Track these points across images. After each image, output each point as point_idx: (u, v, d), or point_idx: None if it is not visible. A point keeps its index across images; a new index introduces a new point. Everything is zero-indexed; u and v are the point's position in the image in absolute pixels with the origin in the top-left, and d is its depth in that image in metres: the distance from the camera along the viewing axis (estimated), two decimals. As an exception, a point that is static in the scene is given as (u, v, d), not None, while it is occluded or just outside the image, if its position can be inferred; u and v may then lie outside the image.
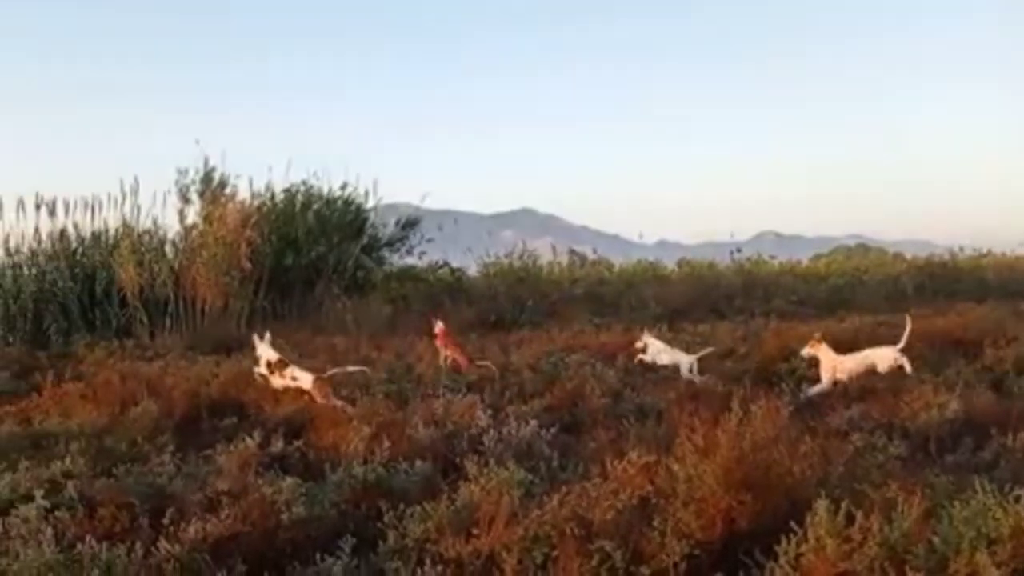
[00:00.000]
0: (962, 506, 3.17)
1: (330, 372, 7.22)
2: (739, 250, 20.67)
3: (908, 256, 23.02)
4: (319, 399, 6.81)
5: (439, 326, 9.11)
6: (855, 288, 18.50)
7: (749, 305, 15.56)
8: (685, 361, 7.91)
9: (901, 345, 6.91)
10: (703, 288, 17.46)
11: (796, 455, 3.99)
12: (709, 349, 8.17)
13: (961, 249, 22.26)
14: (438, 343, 9.09)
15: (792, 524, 3.15)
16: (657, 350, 8.23)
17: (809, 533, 3.08)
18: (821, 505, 3.12)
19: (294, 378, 7.08)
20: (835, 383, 7.01)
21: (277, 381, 7.15)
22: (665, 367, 8.08)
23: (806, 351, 7.26)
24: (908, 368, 7.09)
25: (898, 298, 17.23)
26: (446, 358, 8.89)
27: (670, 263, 20.99)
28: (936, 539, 3.07)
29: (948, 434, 5.42)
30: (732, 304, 15.92)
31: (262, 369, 7.29)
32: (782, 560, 3.08)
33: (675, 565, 3.28)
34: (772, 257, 21.84)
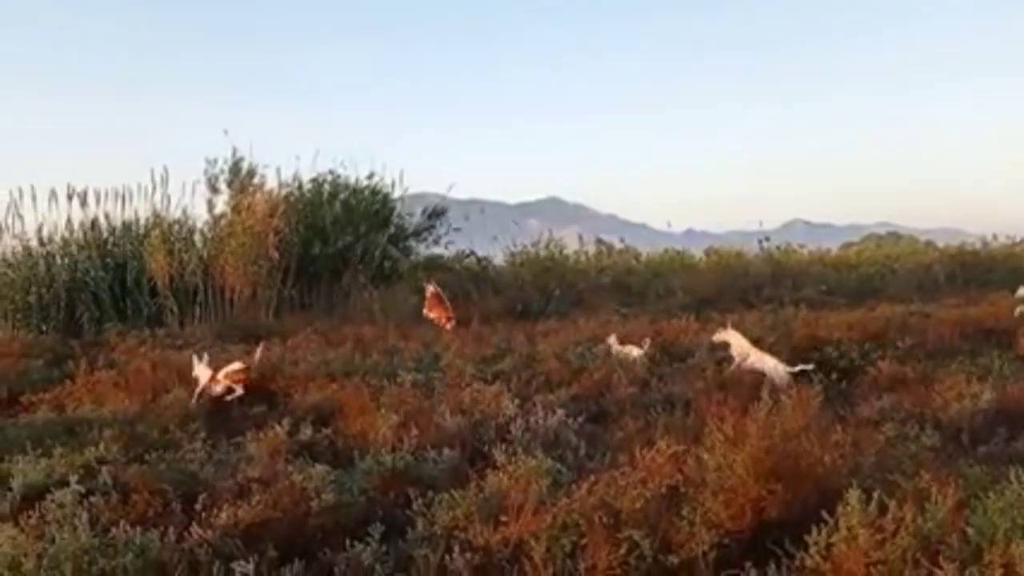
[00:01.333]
0: (997, 497, 3.13)
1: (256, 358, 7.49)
2: (767, 239, 20.46)
3: (940, 244, 22.68)
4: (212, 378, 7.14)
5: (430, 289, 9.47)
6: (886, 277, 18.28)
7: (778, 294, 15.38)
8: (635, 353, 8.25)
9: (792, 370, 6.74)
10: (731, 277, 17.31)
11: (827, 445, 3.96)
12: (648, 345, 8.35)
13: (995, 237, 21.89)
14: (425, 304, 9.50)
15: (823, 514, 3.12)
16: (618, 352, 8.44)
17: (841, 523, 3.05)
18: (853, 495, 3.09)
19: (227, 375, 7.20)
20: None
21: (217, 389, 7.18)
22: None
23: (717, 336, 7.49)
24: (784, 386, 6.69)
25: (930, 287, 17.00)
26: (436, 319, 9.28)
27: (698, 252, 20.81)
28: (970, 530, 3.03)
29: (981, 424, 5.35)
30: (760, 293, 15.76)
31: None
32: (813, 550, 3.05)
33: (704, 555, 3.27)
34: (801, 246, 21.61)
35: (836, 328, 9.13)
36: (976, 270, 18.71)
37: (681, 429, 4.91)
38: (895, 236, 29.28)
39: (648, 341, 8.35)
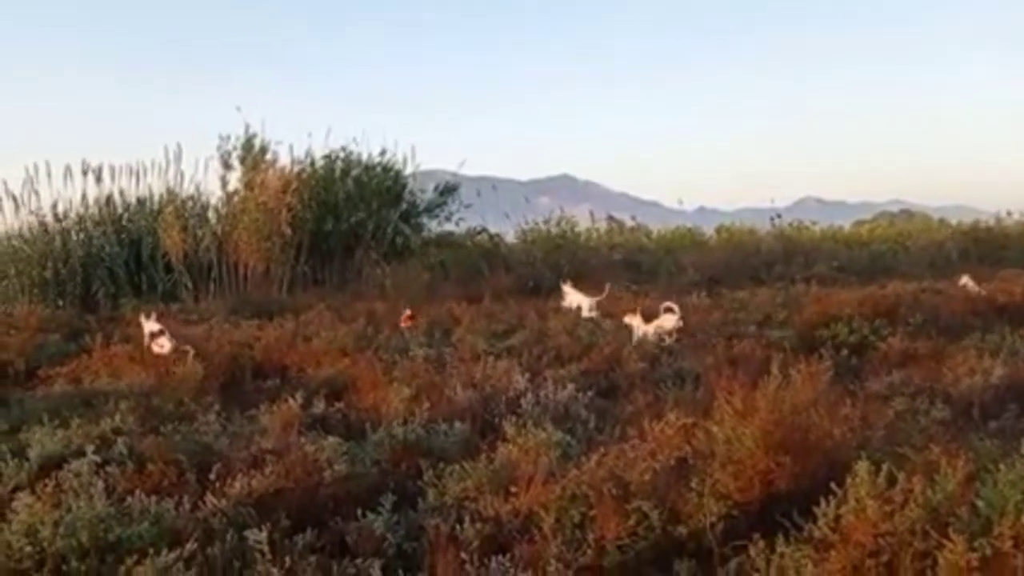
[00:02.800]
0: (1007, 469, 3.12)
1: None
2: (779, 216, 20.36)
3: (953, 222, 22.51)
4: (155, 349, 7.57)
5: (405, 313, 10.14)
6: (898, 254, 18.19)
7: (789, 271, 15.35)
8: (586, 303, 9.68)
9: (678, 315, 8.14)
10: (743, 254, 17.27)
11: (836, 418, 3.96)
12: (603, 295, 9.99)
13: (1008, 214, 21.72)
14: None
15: (832, 486, 3.12)
16: (567, 294, 10.32)
17: (849, 494, 3.05)
18: (862, 466, 3.09)
19: (161, 345, 7.64)
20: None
21: (155, 348, 7.68)
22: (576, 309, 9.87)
23: (626, 319, 8.48)
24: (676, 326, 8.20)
25: (942, 264, 16.91)
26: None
27: (709, 230, 20.74)
28: (980, 502, 3.02)
29: (992, 399, 5.34)
30: (772, 270, 15.73)
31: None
32: (821, 521, 3.06)
33: (712, 526, 3.29)
34: (813, 223, 21.49)
35: (847, 304, 9.11)
36: (990, 247, 18.61)
37: (691, 403, 4.92)
38: (908, 214, 29.07)
39: (605, 294, 9.75)
